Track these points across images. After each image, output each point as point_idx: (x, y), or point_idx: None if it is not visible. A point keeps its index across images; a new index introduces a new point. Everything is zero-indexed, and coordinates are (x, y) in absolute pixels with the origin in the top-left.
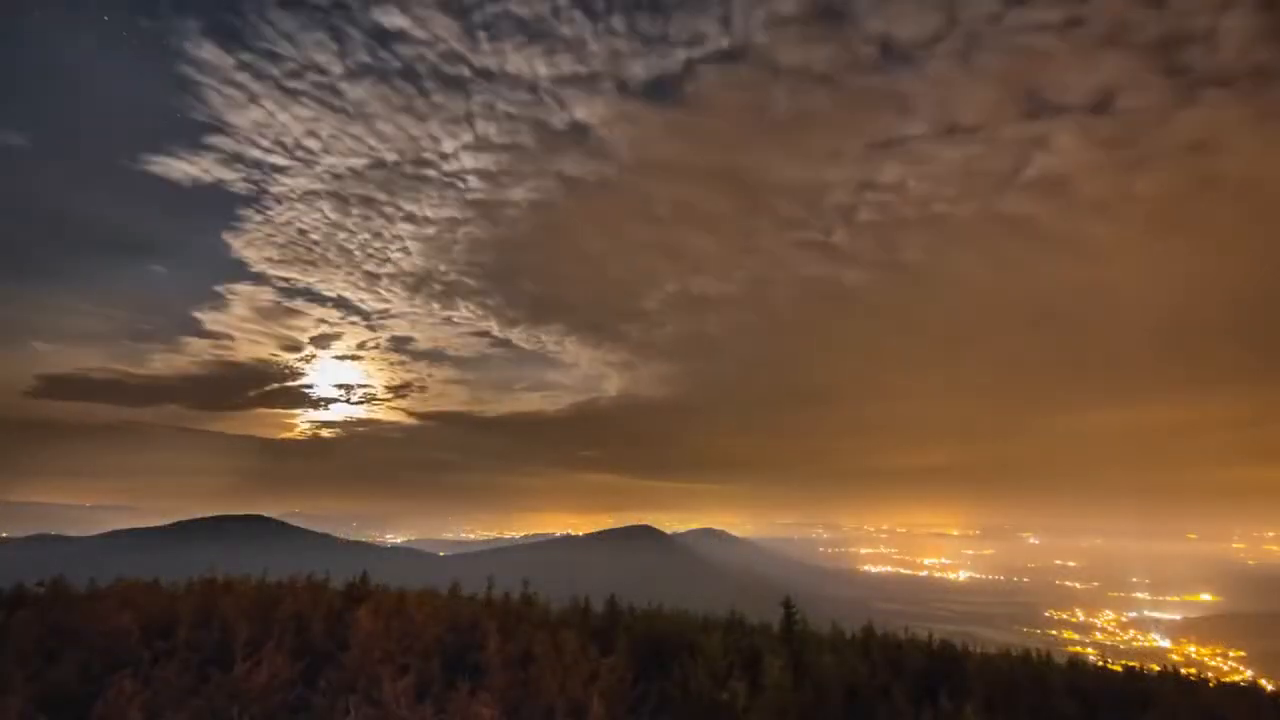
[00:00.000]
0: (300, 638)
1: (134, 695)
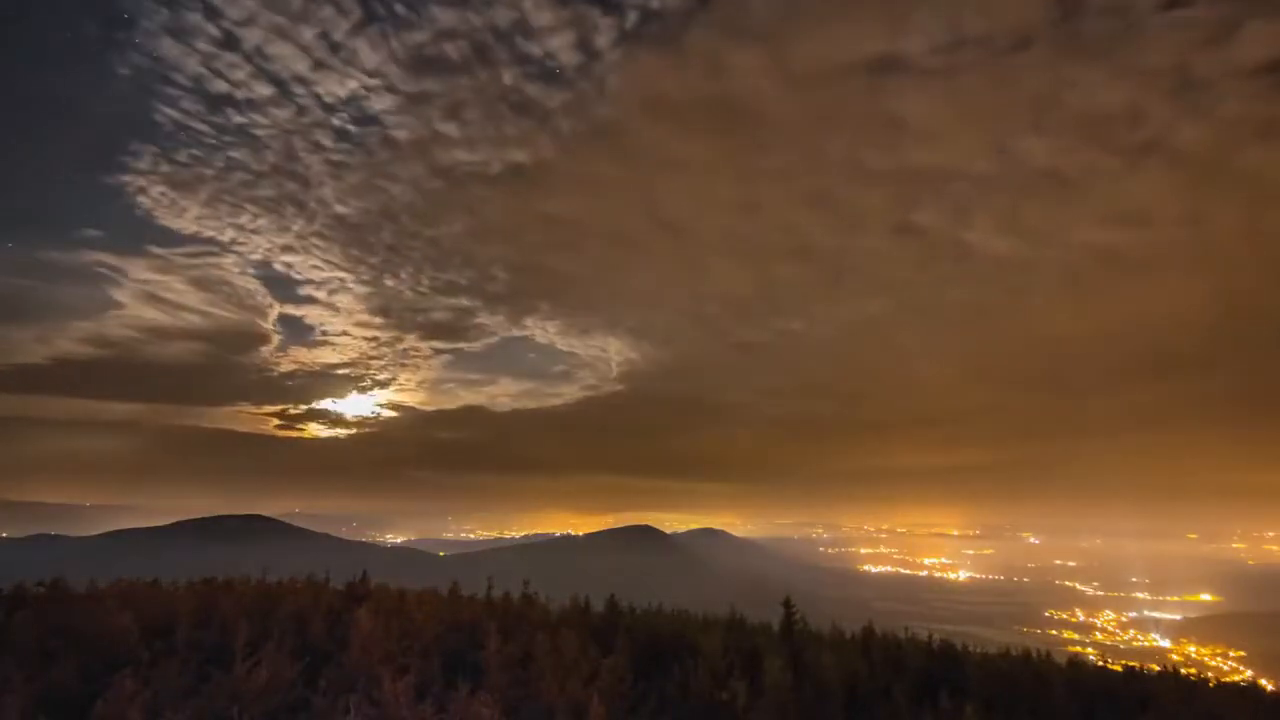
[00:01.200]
0: (300, 638)
1: (134, 695)
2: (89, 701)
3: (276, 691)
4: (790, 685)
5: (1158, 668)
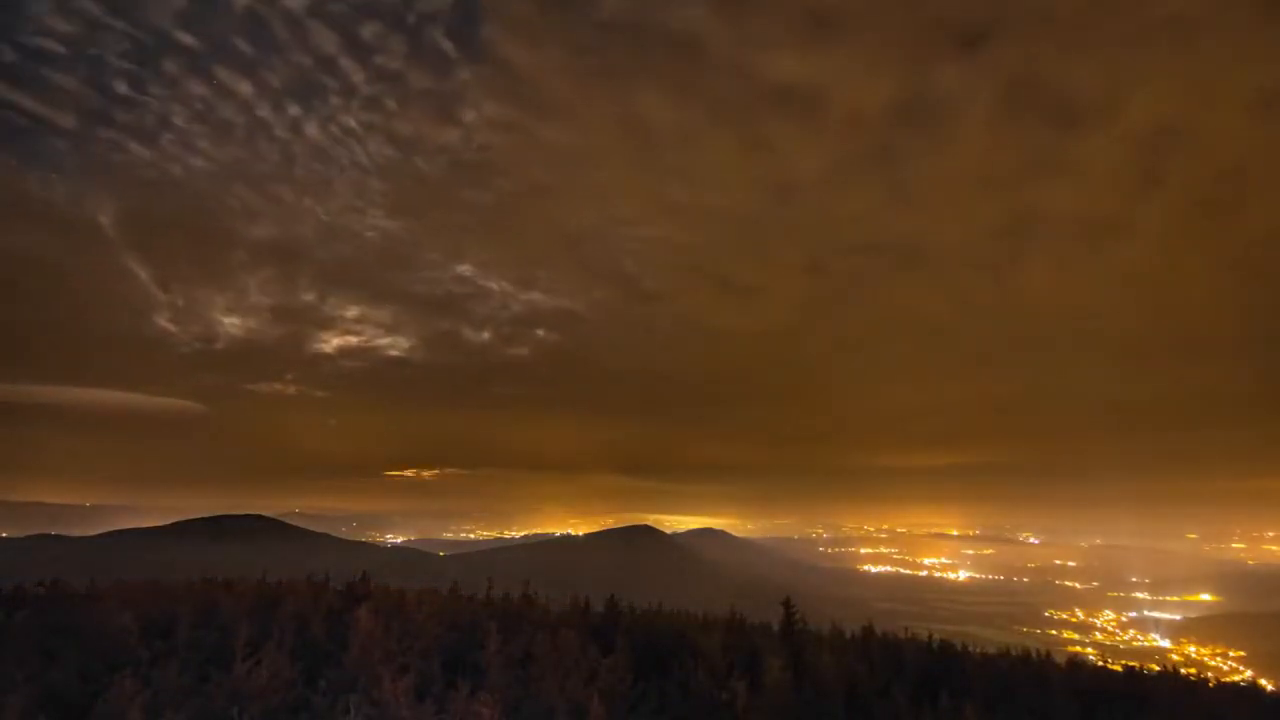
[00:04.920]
0: (300, 638)
1: (134, 695)
2: (89, 701)
3: (276, 691)
4: (790, 685)
5: (1158, 668)
